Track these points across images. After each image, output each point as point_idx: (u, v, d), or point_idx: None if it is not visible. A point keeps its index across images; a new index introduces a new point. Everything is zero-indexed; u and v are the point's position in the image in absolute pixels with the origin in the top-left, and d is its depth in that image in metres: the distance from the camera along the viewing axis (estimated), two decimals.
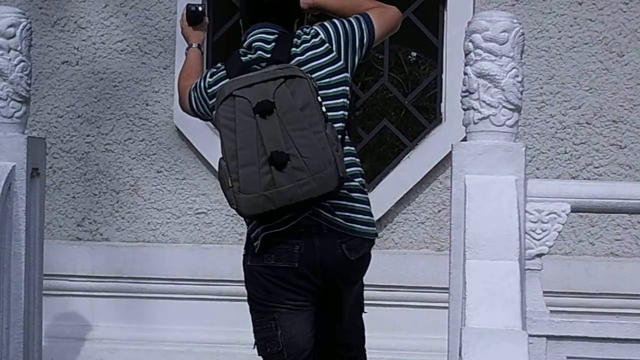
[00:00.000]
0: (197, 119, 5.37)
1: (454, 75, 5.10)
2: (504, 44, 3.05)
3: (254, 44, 3.26)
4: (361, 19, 3.31)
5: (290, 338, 3.20)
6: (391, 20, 3.38)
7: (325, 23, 3.32)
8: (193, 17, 3.56)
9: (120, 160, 5.56)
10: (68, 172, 5.59)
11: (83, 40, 5.58)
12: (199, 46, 3.59)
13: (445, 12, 5.42)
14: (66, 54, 5.56)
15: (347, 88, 3.26)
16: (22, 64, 3.36)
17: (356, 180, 3.27)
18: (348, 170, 3.13)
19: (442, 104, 5.44)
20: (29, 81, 3.41)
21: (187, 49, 3.62)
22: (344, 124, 3.22)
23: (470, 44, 3.09)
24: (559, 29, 5.35)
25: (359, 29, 3.29)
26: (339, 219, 3.20)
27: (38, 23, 5.51)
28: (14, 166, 3.31)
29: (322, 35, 3.26)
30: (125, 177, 5.56)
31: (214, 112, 3.19)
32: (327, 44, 3.25)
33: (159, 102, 5.54)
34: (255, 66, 3.21)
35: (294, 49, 3.23)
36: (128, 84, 5.56)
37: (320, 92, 3.11)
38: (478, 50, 3.06)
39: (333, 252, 3.20)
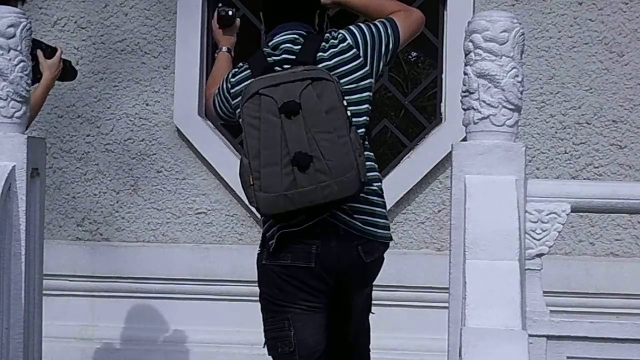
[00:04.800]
0: (198, 120, 5.39)
1: (454, 75, 5.09)
2: (504, 44, 3.04)
3: (281, 46, 3.25)
4: (387, 24, 3.30)
5: (302, 339, 3.20)
6: (415, 23, 3.37)
7: (352, 28, 3.31)
8: (223, 20, 3.57)
9: (120, 160, 5.56)
10: (68, 172, 5.59)
11: (83, 40, 5.58)
12: (229, 50, 3.57)
13: (445, 12, 5.42)
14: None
15: (371, 94, 3.26)
16: (22, 64, 3.36)
17: (375, 184, 3.27)
18: (367, 174, 3.14)
19: (442, 104, 5.45)
20: (28, 81, 3.41)
21: (216, 52, 3.61)
22: (365, 130, 3.23)
23: (470, 44, 3.09)
24: (559, 29, 5.35)
25: (385, 35, 3.29)
26: (357, 222, 3.20)
27: (38, 23, 5.51)
28: (14, 166, 3.30)
29: (349, 40, 3.26)
30: (125, 177, 5.56)
31: (238, 111, 3.19)
32: (354, 50, 3.24)
33: (159, 102, 5.54)
34: (277, 67, 3.21)
35: (321, 53, 3.22)
36: (128, 84, 5.56)
37: (345, 97, 3.11)
38: (478, 50, 3.06)
39: (350, 254, 3.20)
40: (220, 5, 3.63)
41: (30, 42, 3.43)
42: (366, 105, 3.23)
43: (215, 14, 3.59)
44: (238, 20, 3.60)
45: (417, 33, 3.41)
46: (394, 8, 3.37)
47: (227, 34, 3.58)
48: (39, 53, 3.92)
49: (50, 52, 4.00)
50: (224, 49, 3.57)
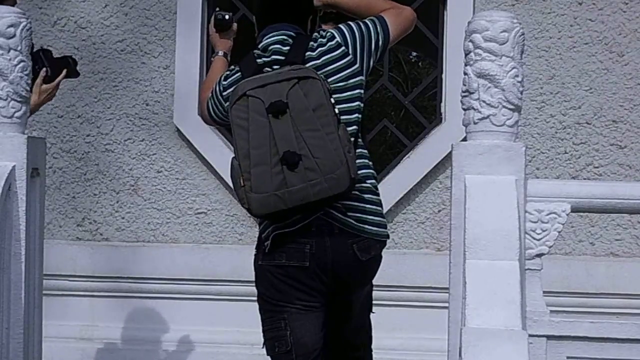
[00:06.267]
0: (198, 120, 5.37)
1: (454, 75, 5.10)
2: (504, 44, 3.04)
3: (270, 47, 3.26)
4: (376, 21, 3.31)
5: (299, 338, 3.20)
6: (406, 21, 3.38)
7: (341, 26, 3.32)
8: (220, 24, 3.57)
9: (120, 160, 5.56)
10: (68, 172, 5.59)
11: (83, 40, 5.58)
12: (225, 54, 3.57)
13: (445, 12, 5.42)
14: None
15: (362, 91, 3.27)
16: (22, 64, 3.36)
17: (368, 182, 3.27)
18: (360, 172, 3.14)
19: (442, 104, 5.45)
20: (28, 81, 3.41)
21: (213, 57, 3.62)
22: (357, 127, 3.23)
23: (470, 44, 3.09)
24: (559, 29, 5.35)
25: (375, 32, 3.29)
26: (350, 220, 3.20)
27: (38, 23, 5.51)
28: (14, 166, 3.30)
29: (337, 38, 3.26)
30: (125, 177, 5.56)
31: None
32: (343, 47, 3.25)
33: (159, 102, 5.55)
34: (267, 68, 3.22)
35: (309, 52, 3.23)
36: (128, 84, 5.57)
37: (335, 95, 3.12)
38: (478, 50, 3.06)
39: (344, 253, 3.20)
40: (217, 9, 3.63)
41: (31, 41, 3.44)
42: (357, 103, 3.24)
43: (212, 18, 3.59)
44: (235, 25, 3.60)
45: (408, 30, 3.42)
46: (384, 6, 3.38)
47: (224, 38, 3.59)
48: (42, 73, 3.91)
49: (74, 68, 4.03)
50: (220, 53, 3.57)
